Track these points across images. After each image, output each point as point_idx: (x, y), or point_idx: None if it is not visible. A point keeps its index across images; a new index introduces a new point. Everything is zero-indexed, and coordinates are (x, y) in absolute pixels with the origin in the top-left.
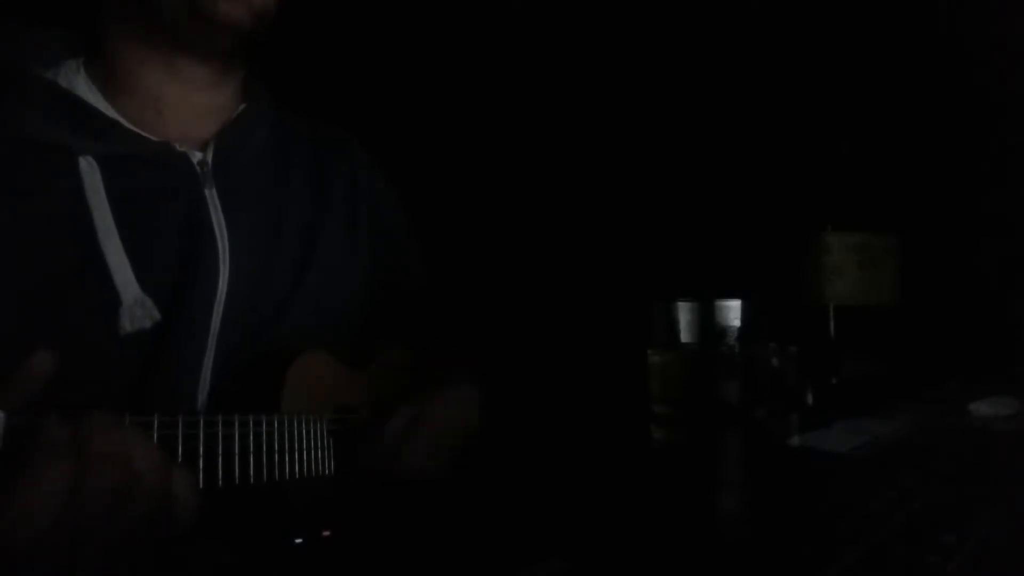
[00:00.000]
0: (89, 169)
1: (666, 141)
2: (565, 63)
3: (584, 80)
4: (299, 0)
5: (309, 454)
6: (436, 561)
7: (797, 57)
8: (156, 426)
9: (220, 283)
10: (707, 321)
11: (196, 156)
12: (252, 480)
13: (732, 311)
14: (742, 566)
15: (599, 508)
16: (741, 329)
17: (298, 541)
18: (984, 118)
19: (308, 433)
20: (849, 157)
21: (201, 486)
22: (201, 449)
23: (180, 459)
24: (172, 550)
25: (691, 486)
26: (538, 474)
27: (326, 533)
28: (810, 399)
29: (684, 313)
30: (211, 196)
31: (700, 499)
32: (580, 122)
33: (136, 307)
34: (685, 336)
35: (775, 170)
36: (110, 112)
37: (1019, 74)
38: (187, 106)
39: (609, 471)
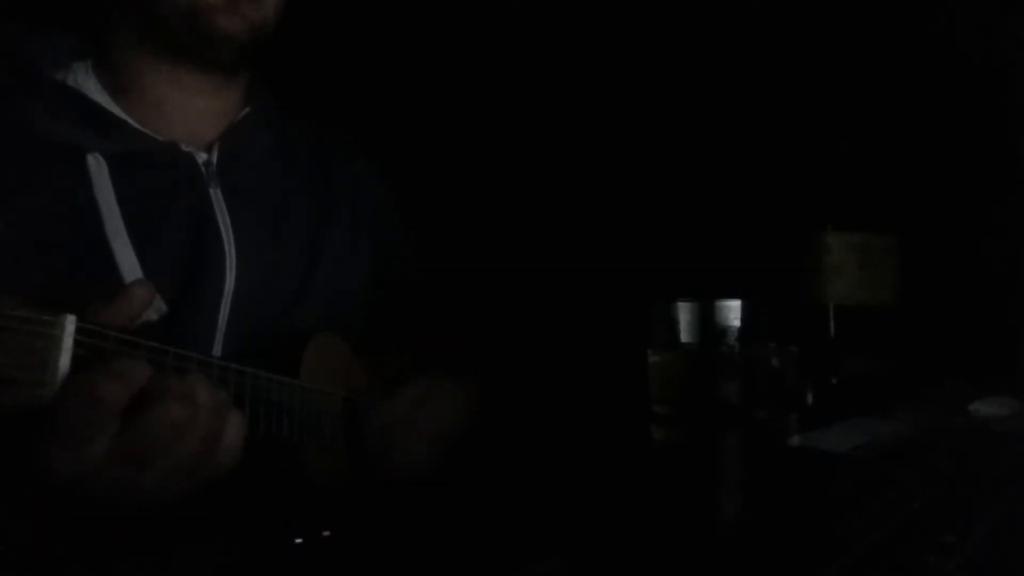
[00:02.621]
0: (97, 166)
1: (666, 141)
2: (566, 64)
3: (585, 81)
4: (301, 6)
5: (323, 424)
6: (436, 561)
7: (797, 57)
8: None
9: (227, 280)
10: (707, 321)
11: (201, 156)
12: (273, 434)
13: (732, 311)
14: (742, 566)
15: (599, 508)
16: (741, 329)
17: (298, 541)
18: (984, 118)
19: (324, 405)
20: (849, 157)
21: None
22: (236, 397)
23: None
24: (172, 550)
25: (691, 486)
26: (538, 474)
27: (326, 533)
28: (810, 399)
29: (684, 313)
30: (216, 196)
31: (700, 499)
32: (580, 122)
33: None
34: (685, 336)
35: (775, 170)
36: (118, 112)
37: (1020, 74)
38: (192, 109)
39: (609, 471)
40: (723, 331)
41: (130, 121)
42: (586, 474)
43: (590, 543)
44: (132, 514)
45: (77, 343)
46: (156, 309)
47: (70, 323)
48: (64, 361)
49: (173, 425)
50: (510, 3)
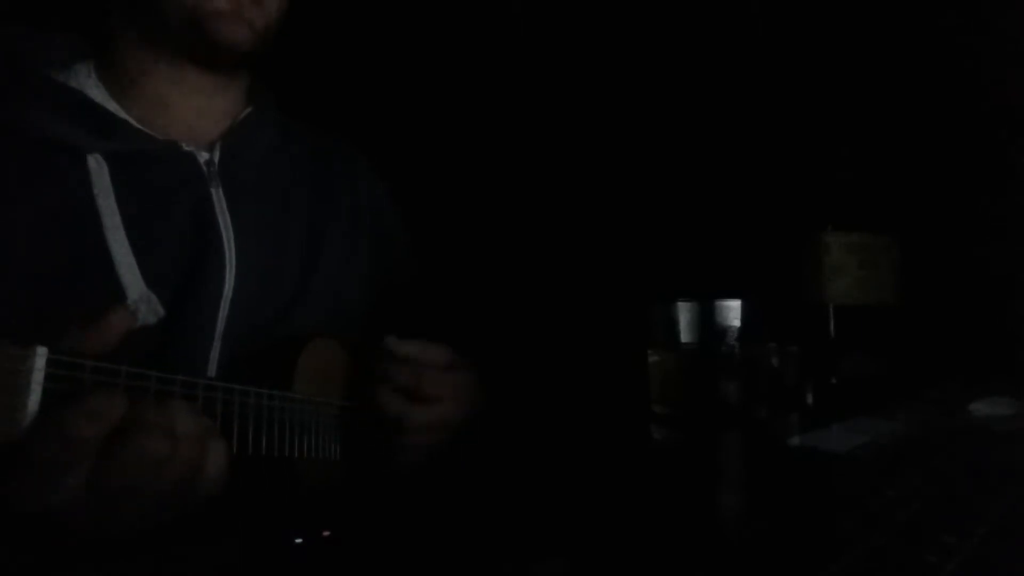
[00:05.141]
0: (97, 167)
1: (666, 141)
2: (566, 65)
3: (585, 81)
4: (302, 11)
5: (319, 435)
6: (436, 561)
7: (797, 57)
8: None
9: (227, 281)
10: (707, 321)
11: (203, 156)
12: (264, 452)
13: (732, 311)
14: (742, 566)
15: (599, 508)
16: (741, 329)
17: (298, 541)
18: (984, 118)
19: (319, 414)
20: (849, 157)
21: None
22: (225, 416)
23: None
24: (172, 550)
25: (691, 486)
26: (538, 474)
27: (326, 533)
28: (810, 399)
29: (684, 313)
30: (217, 195)
31: (700, 499)
32: (581, 122)
33: (141, 303)
34: (685, 336)
35: (775, 170)
36: (119, 112)
37: (1019, 74)
38: (193, 109)
39: (609, 471)
40: (723, 331)
41: (131, 121)
42: (586, 474)
43: (590, 543)
44: (116, 541)
45: (49, 376)
46: (154, 312)
47: (40, 356)
48: (34, 398)
49: (152, 459)
50: (510, 5)
